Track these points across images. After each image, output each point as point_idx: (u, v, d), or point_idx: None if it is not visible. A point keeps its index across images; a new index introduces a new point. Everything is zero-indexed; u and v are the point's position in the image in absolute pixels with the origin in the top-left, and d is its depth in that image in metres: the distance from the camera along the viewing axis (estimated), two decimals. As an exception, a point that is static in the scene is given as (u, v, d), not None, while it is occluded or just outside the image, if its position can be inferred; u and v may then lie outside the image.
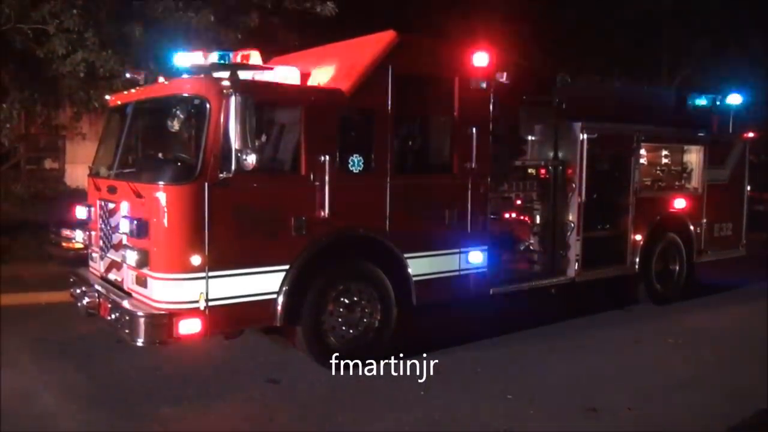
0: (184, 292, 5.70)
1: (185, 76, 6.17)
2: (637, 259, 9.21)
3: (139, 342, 5.70)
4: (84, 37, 9.73)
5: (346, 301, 6.59)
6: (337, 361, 6.52)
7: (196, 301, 5.71)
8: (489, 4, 17.35)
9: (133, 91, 6.96)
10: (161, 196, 5.72)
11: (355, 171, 6.48)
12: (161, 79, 6.82)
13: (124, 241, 6.14)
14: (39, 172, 18.77)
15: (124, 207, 6.19)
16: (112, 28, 10.02)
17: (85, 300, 6.59)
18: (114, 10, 10.07)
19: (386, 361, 6.73)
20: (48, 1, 9.64)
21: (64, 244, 10.35)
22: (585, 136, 8.48)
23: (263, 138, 6.20)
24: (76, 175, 16.46)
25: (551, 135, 8.70)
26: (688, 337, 8.15)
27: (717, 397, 6.16)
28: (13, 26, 9.82)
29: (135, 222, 5.84)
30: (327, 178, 6.23)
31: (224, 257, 5.81)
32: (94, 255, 7.16)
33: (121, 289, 6.35)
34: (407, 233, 6.84)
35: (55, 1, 9.60)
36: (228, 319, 5.96)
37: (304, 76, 6.92)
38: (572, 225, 8.49)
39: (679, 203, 9.76)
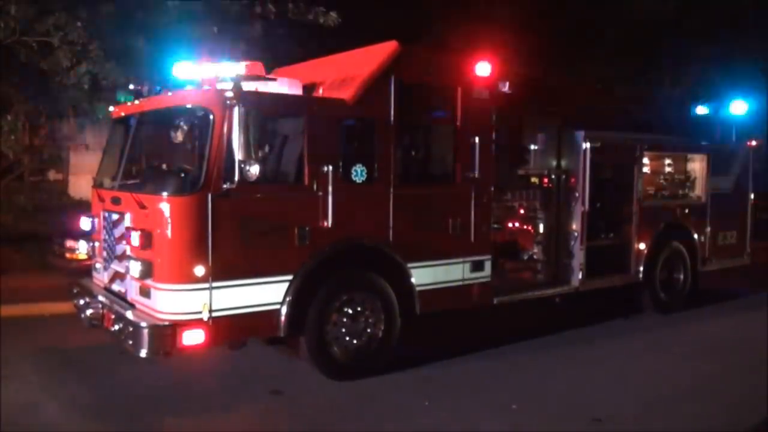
0: (187, 303, 5.69)
1: (188, 87, 6.20)
2: (641, 268, 9.19)
3: (143, 353, 5.69)
4: (88, 49, 9.79)
5: (350, 311, 6.57)
6: (340, 371, 6.51)
7: (200, 312, 5.70)
8: (490, 13, 17.42)
9: (136, 102, 6.98)
10: (165, 207, 5.73)
11: (358, 181, 6.48)
12: (165, 91, 6.84)
13: (128, 252, 6.16)
14: (43, 184, 18.82)
15: (128, 218, 6.20)
16: (115, 40, 10.08)
17: (89, 311, 6.59)
18: (118, 22, 10.13)
19: (390, 370, 6.71)
20: (52, 14, 9.70)
21: (67, 255, 10.38)
22: (588, 145, 8.48)
23: (266, 148, 6.21)
24: (80, 186, 16.50)
25: (554, 144, 8.70)
26: (693, 346, 8.11)
27: (722, 406, 6.11)
28: (18, 39, 9.89)
29: (138, 233, 5.84)
30: (330, 188, 6.24)
31: (228, 268, 5.81)
32: (97, 266, 7.17)
33: (124, 299, 6.35)
34: (411, 243, 6.83)
35: (60, 13, 9.67)
36: (232, 329, 5.95)
37: (307, 87, 6.94)
38: (576, 234, 8.48)
39: (683, 212, 9.74)
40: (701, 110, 10.88)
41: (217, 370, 6.88)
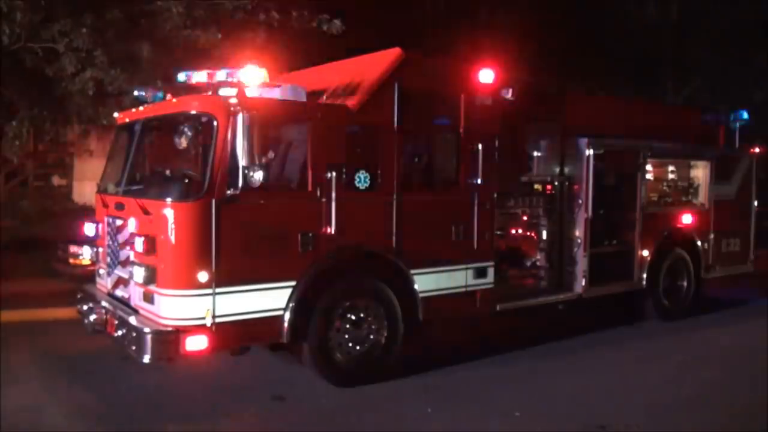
0: (191, 309, 5.70)
1: (193, 93, 6.22)
2: (645, 275, 9.18)
3: (146, 359, 5.69)
4: (93, 55, 9.82)
5: (353, 317, 6.57)
6: (343, 378, 6.50)
7: (203, 318, 5.71)
8: (494, 20, 17.47)
9: (140, 108, 7.01)
10: (169, 213, 5.74)
11: (361, 187, 6.49)
12: (169, 97, 6.87)
13: (132, 258, 6.17)
14: (47, 189, 18.89)
15: (132, 223, 6.21)
16: (120, 46, 10.11)
17: (92, 316, 6.60)
18: (122, 28, 10.17)
19: (393, 377, 6.70)
20: (58, 20, 9.75)
21: (71, 260, 10.39)
22: (591, 151, 8.49)
23: (270, 155, 6.24)
24: (84, 191, 16.54)
25: (557, 151, 8.71)
26: (697, 354, 8.10)
27: (726, 415, 6.10)
28: (24, 45, 9.93)
29: (142, 238, 5.86)
30: (334, 194, 6.26)
31: (231, 273, 5.81)
32: (101, 271, 7.17)
33: (128, 305, 6.36)
34: (414, 249, 6.83)
35: (65, 20, 9.71)
36: (235, 335, 5.95)
37: (311, 93, 6.96)
38: (579, 241, 8.48)
39: (687, 219, 9.74)
40: (704, 117, 10.87)
41: (220, 376, 6.88)
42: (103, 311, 6.55)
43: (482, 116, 7.31)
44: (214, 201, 5.67)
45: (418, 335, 7.08)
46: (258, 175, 5.60)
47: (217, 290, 5.76)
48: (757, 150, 10.80)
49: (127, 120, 7.23)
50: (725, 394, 6.69)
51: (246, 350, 6.79)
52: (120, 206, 6.54)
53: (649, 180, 9.41)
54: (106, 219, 6.91)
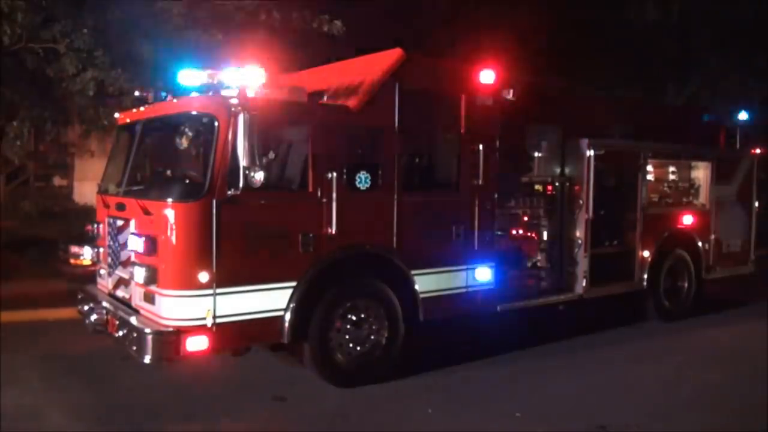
0: (191, 309, 5.70)
1: (193, 94, 6.23)
2: (645, 276, 9.19)
3: (147, 359, 5.70)
4: (94, 56, 9.84)
5: (354, 317, 6.58)
6: (343, 378, 6.50)
7: (204, 318, 5.71)
8: (495, 21, 17.46)
9: (141, 109, 7.01)
10: (170, 213, 5.75)
11: (362, 188, 6.49)
12: (170, 97, 6.88)
13: (132, 258, 6.17)
14: (48, 189, 18.95)
15: (133, 224, 6.22)
16: (121, 47, 10.13)
17: (93, 317, 6.60)
18: (123, 29, 10.18)
19: (393, 377, 6.70)
20: (59, 21, 9.77)
21: (72, 261, 10.38)
22: (592, 152, 8.49)
23: (271, 155, 6.25)
24: (85, 192, 16.57)
25: (558, 151, 8.71)
26: (697, 354, 8.10)
27: (726, 416, 6.10)
28: (25, 45, 9.95)
29: (143, 239, 5.87)
30: (334, 194, 6.26)
31: (232, 274, 5.82)
32: (102, 272, 7.18)
33: (128, 305, 6.36)
34: (414, 250, 6.84)
35: (66, 20, 9.73)
36: (235, 336, 5.96)
37: (312, 94, 6.96)
38: (579, 241, 8.48)
39: (687, 219, 9.74)
40: (706, 118, 10.89)
41: (220, 377, 6.88)
42: (104, 311, 6.55)
43: (483, 117, 7.31)
44: (214, 201, 5.68)
45: (418, 335, 7.08)
46: (259, 176, 5.60)
47: (218, 290, 5.76)
48: (757, 150, 10.80)
49: (128, 120, 7.24)
50: (725, 394, 6.69)
51: (246, 350, 6.80)
52: (121, 207, 6.55)
53: (649, 181, 9.42)
54: (107, 219, 6.91)
